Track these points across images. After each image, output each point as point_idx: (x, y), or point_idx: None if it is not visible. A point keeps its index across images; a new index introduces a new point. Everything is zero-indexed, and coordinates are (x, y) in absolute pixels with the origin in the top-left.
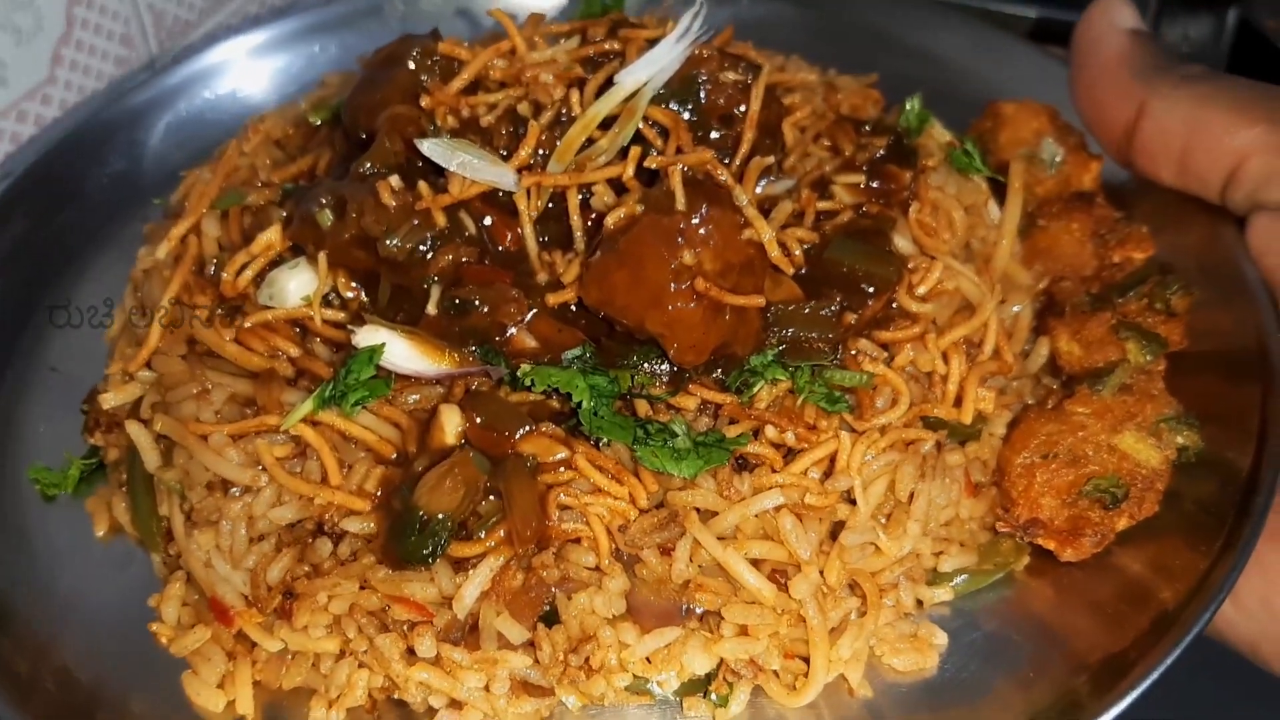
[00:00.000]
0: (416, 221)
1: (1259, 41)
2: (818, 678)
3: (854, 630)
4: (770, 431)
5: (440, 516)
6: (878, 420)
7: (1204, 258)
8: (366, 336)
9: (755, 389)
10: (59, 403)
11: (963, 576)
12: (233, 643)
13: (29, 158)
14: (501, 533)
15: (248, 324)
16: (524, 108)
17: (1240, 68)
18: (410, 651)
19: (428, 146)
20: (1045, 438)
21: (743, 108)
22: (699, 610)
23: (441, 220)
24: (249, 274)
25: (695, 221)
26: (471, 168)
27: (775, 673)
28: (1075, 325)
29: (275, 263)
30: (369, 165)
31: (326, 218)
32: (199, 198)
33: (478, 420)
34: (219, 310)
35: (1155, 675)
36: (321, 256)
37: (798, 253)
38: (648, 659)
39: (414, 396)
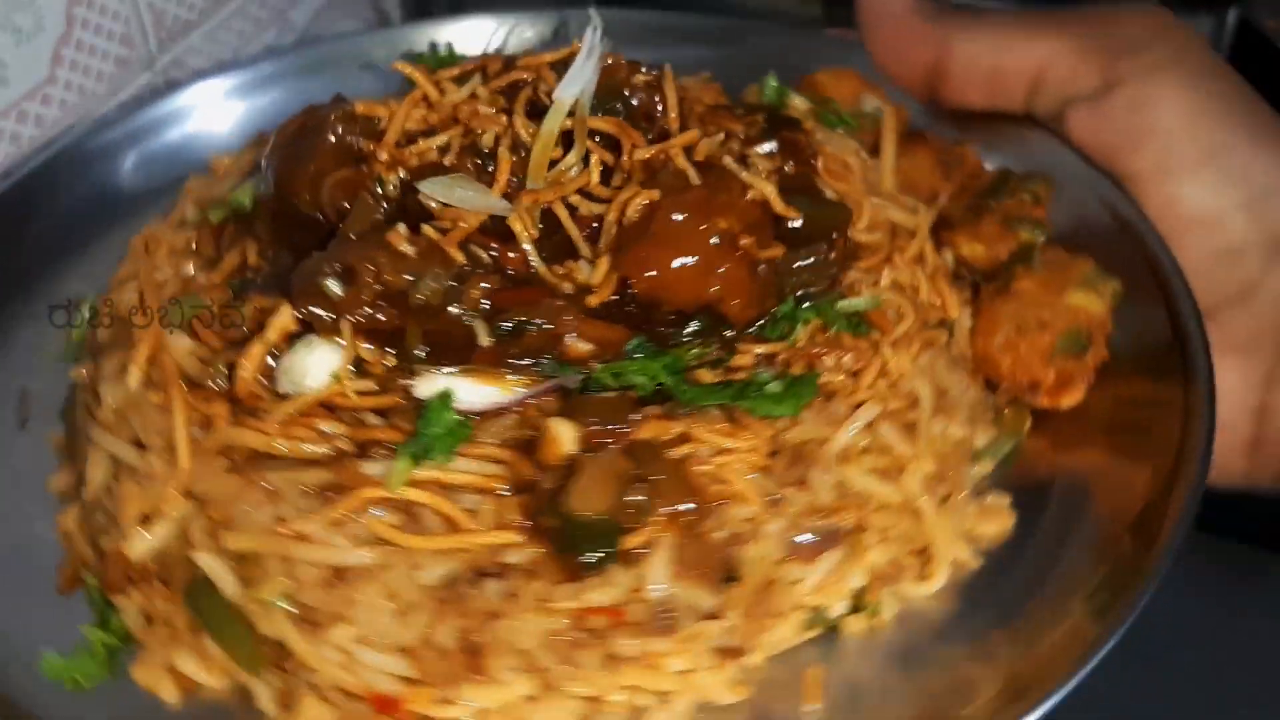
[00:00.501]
0: (437, 265)
1: (1259, 42)
2: (943, 559)
3: (950, 511)
4: (829, 361)
5: (602, 515)
6: (899, 331)
7: (1030, 158)
8: (428, 385)
9: (796, 333)
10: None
11: (991, 450)
12: None
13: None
14: (662, 513)
15: (282, 416)
16: (486, 139)
17: (1240, 68)
18: (610, 660)
19: (428, 185)
20: (1011, 316)
21: (660, 105)
22: (844, 531)
23: (460, 257)
24: (251, 368)
25: (712, 190)
26: (469, 200)
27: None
28: (969, 231)
29: (273, 354)
30: (359, 226)
31: (336, 286)
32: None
33: (591, 424)
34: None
35: (1189, 508)
36: (345, 325)
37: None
38: (818, 589)
39: (493, 429)
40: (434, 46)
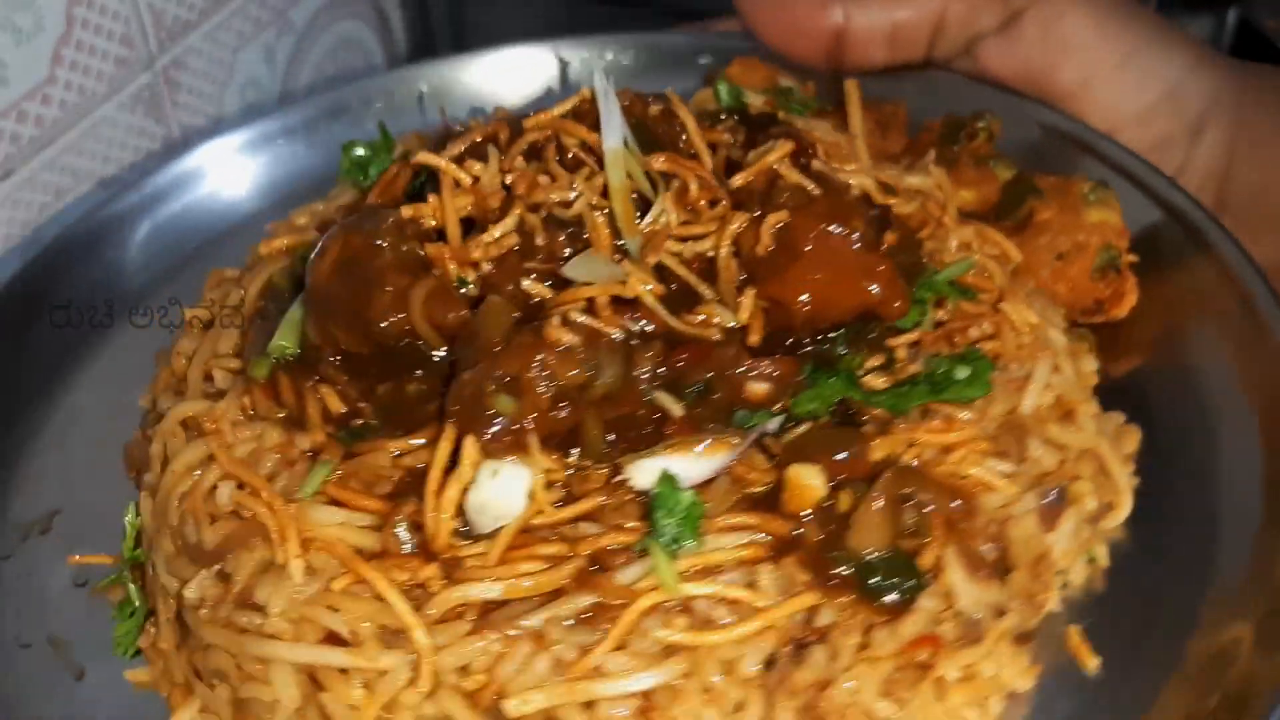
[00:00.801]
0: (600, 350)
1: (1259, 41)
2: (1125, 490)
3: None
4: (973, 331)
5: (892, 547)
6: (1000, 284)
7: (944, 100)
8: (642, 474)
9: (925, 315)
10: None
11: None
12: None
13: (8, 267)
14: (938, 525)
15: (496, 555)
16: (580, 203)
17: None
18: (938, 685)
19: (572, 268)
20: (1048, 246)
21: (683, 133)
22: (1065, 489)
23: (618, 334)
24: (450, 514)
25: (832, 196)
26: (604, 273)
27: None
28: (952, 179)
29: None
30: (497, 332)
31: (509, 402)
32: (269, 511)
33: (833, 457)
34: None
35: None
36: (533, 440)
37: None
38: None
39: (716, 499)
40: (420, 98)
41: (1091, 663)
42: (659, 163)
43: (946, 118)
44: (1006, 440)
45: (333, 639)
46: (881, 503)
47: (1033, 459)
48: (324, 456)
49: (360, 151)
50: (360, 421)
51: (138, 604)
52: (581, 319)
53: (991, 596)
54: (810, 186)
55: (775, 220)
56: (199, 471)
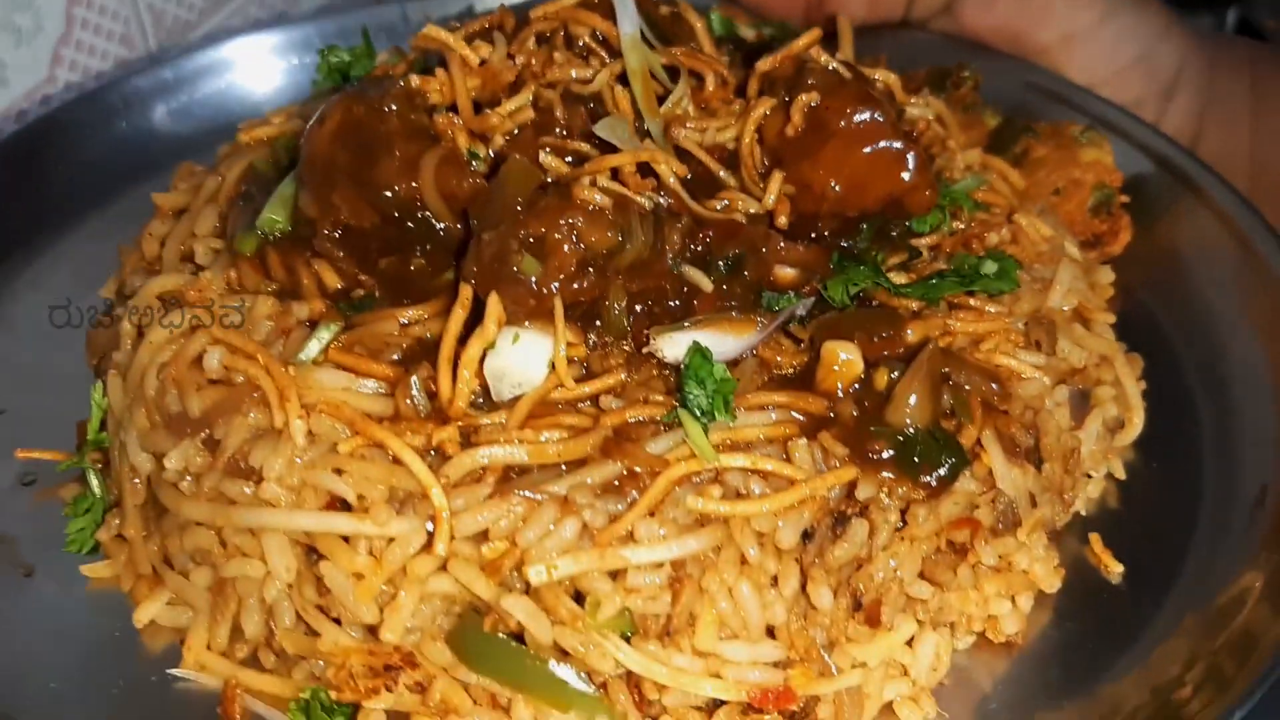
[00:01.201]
0: (630, 217)
1: (1260, 40)
2: (1138, 405)
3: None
4: (992, 237)
5: (934, 423)
6: (1007, 202)
7: (928, 57)
8: (672, 346)
9: (945, 220)
10: None
11: None
12: None
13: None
14: (977, 406)
15: (518, 420)
16: (602, 78)
17: None
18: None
19: (602, 127)
20: (1045, 181)
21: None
22: (1090, 390)
23: (649, 202)
24: (471, 376)
25: (861, 83)
26: (628, 142)
27: None
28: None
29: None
30: (522, 191)
31: (534, 265)
32: (274, 387)
33: (868, 338)
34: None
35: None
36: (557, 304)
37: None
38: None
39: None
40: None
41: (1116, 568)
42: (678, 55)
43: (931, 69)
44: (1038, 332)
45: (334, 506)
46: (922, 377)
47: (1063, 354)
48: (325, 322)
49: (343, 57)
50: (361, 293)
51: (98, 495)
52: (612, 184)
53: (1029, 483)
54: (842, 70)
55: (807, 100)
56: (181, 341)
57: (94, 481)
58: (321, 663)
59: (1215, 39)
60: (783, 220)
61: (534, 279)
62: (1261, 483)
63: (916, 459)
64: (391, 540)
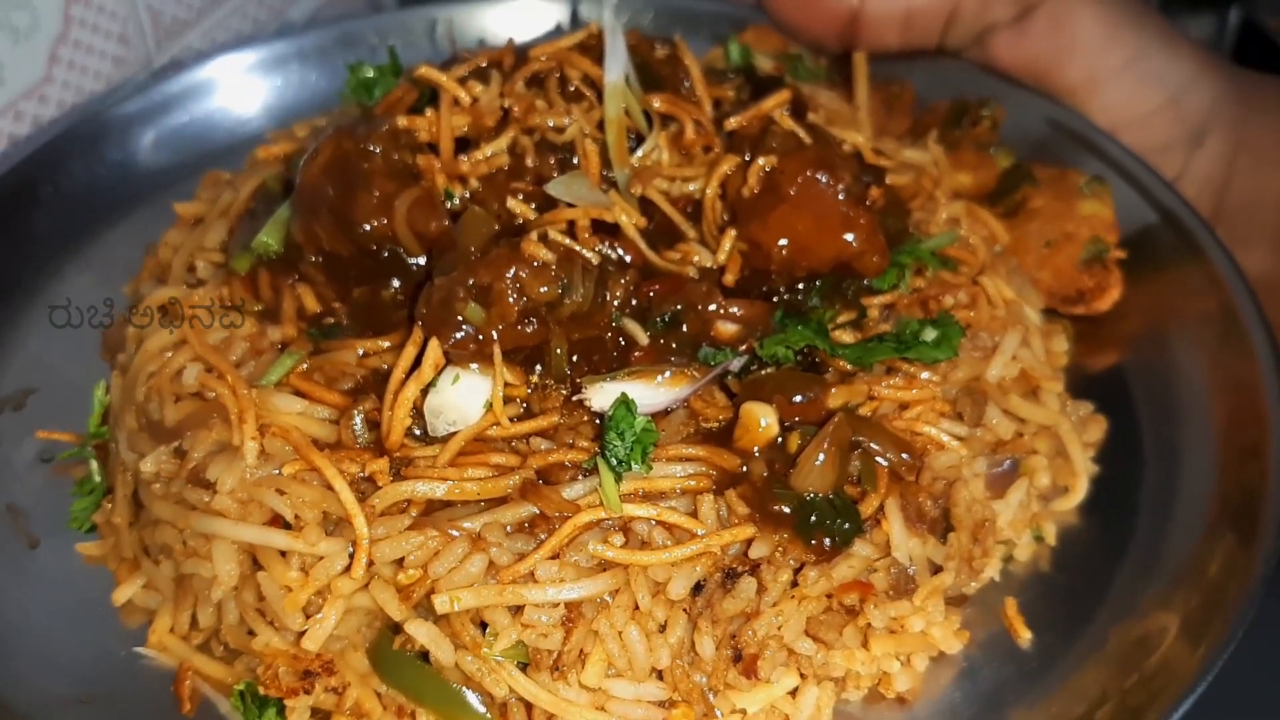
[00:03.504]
0: (575, 270)
1: (1261, 41)
2: (1082, 475)
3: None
4: (948, 300)
5: (834, 491)
6: (982, 259)
7: (950, 86)
8: (601, 396)
9: (905, 278)
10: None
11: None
12: None
13: (16, 157)
14: (884, 476)
15: (448, 457)
16: (573, 130)
17: (1243, 66)
18: (863, 633)
19: (554, 187)
20: (1037, 233)
21: (686, 79)
22: (1019, 460)
23: (596, 257)
24: (405, 414)
25: (823, 148)
26: (587, 197)
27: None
28: (952, 162)
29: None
30: (478, 241)
31: (477, 311)
32: (234, 395)
33: (786, 400)
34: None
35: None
36: (496, 351)
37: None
38: (1012, 524)
39: (672, 429)
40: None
41: (1024, 635)
42: (658, 102)
43: (953, 102)
44: (965, 403)
45: (277, 522)
46: (828, 445)
47: (989, 426)
48: (292, 349)
49: (368, 74)
50: (332, 321)
51: (98, 480)
52: (560, 238)
53: (928, 552)
54: (802, 134)
55: (764, 163)
56: (170, 353)
57: (94, 467)
58: None
59: (1252, 79)
60: (729, 277)
61: (476, 326)
62: (1188, 547)
63: (813, 522)
64: (320, 559)
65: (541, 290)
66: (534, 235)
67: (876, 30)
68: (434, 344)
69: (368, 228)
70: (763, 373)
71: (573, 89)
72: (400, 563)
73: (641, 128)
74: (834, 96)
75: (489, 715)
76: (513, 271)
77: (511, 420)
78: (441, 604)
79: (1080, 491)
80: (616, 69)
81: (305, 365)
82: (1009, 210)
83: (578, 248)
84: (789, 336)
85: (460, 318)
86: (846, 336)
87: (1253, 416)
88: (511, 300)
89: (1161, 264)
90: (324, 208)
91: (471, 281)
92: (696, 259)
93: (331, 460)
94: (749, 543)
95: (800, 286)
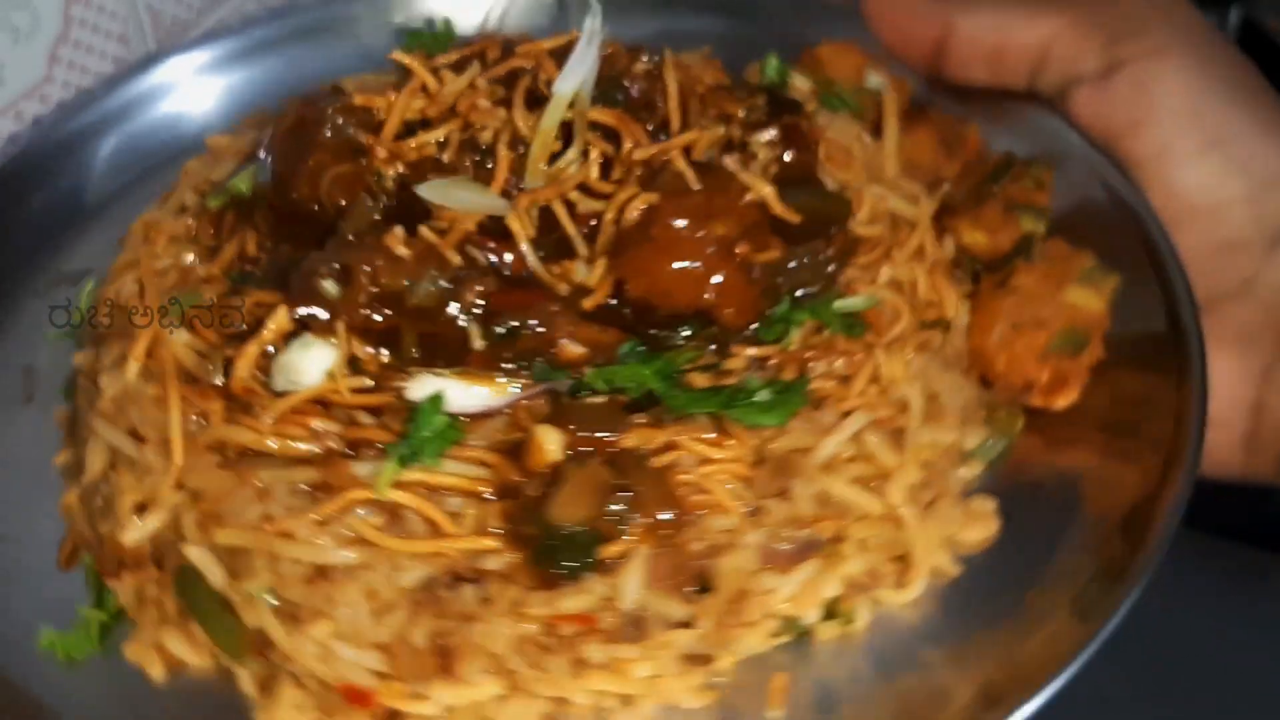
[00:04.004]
0: (434, 267)
1: (1262, 41)
2: (921, 569)
3: (934, 518)
4: (820, 366)
5: (581, 526)
6: (894, 332)
7: (1033, 138)
8: (421, 388)
9: (790, 335)
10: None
11: (981, 450)
12: None
13: None
14: (641, 524)
15: (275, 414)
16: (486, 135)
17: None
18: (578, 663)
19: (426, 190)
20: (1008, 312)
21: (660, 94)
22: (821, 541)
23: (456, 259)
24: (246, 366)
25: (709, 194)
26: (468, 202)
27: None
28: (971, 217)
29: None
30: (357, 226)
31: (333, 287)
32: (143, 309)
33: (576, 430)
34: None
35: (1179, 507)
36: (340, 326)
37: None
38: (791, 600)
39: (483, 432)
40: (430, 23)
41: (773, 715)
42: (602, 115)
43: (1004, 154)
44: (773, 474)
45: (134, 434)
46: (581, 482)
47: (793, 500)
48: (205, 288)
49: (422, 40)
50: (251, 270)
51: None
52: (432, 236)
53: (665, 608)
54: (690, 178)
55: (644, 200)
56: (131, 272)
57: None
58: None
59: None
60: (588, 303)
61: (329, 302)
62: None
63: (549, 552)
64: (150, 471)
65: (393, 281)
66: (398, 231)
67: (962, 61)
68: (282, 309)
69: (295, 194)
70: (580, 399)
71: (540, 95)
72: (200, 494)
73: (583, 142)
74: (856, 131)
75: (240, 640)
76: (371, 261)
77: (354, 393)
78: (219, 535)
79: (914, 588)
80: (571, 80)
81: (211, 303)
82: (1000, 281)
83: (441, 247)
84: (616, 371)
85: (317, 293)
86: (702, 380)
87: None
88: (363, 285)
89: (1151, 379)
90: (276, 166)
91: (335, 263)
92: (578, 277)
93: (179, 390)
94: (486, 555)
95: (668, 323)
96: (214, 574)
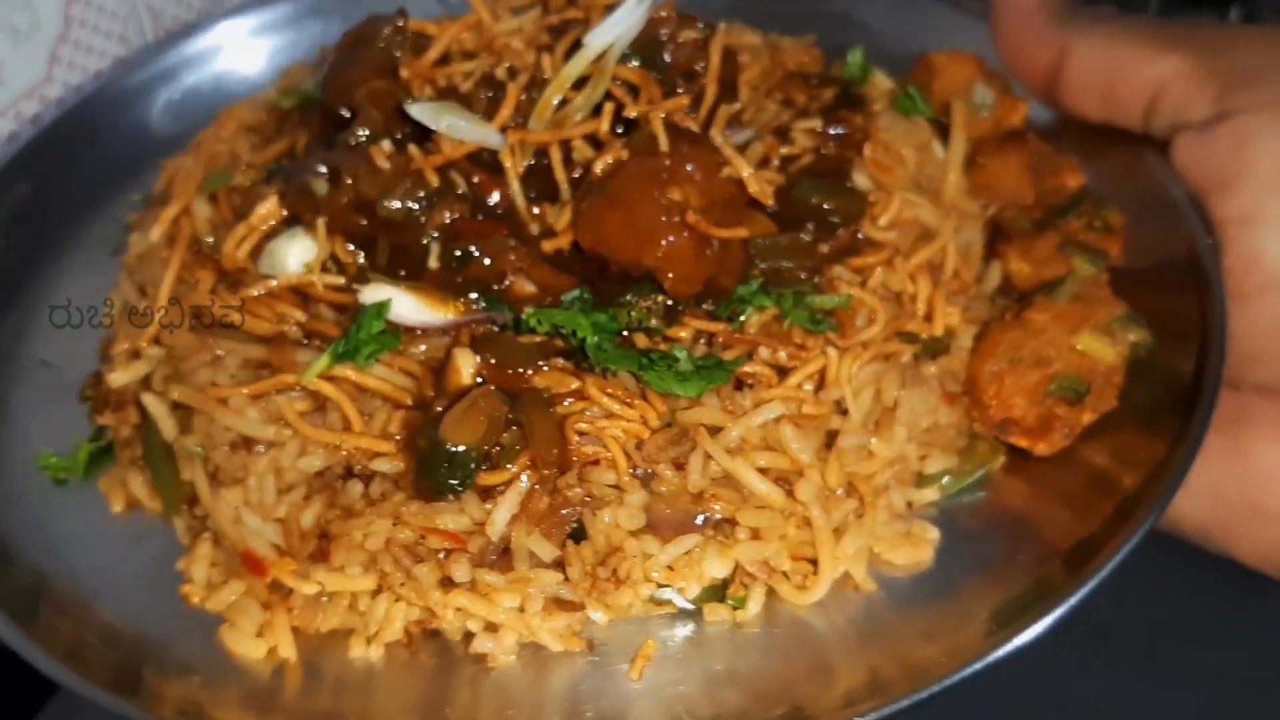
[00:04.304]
0: (410, 183)
1: None
2: (825, 575)
3: (855, 529)
4: (763, 352)
5: (467, 448)
6: (859, 337)
7: (1130, 180)
8: (372, 294)
9: (745, 316)
10: (53, 394)
11: (946, 478)
12: (267, 593)
13: (28, 135)
14: (526, 459)
15: (252, 293)
16: (501, 72)
17: None
18: (446, 580)
19: (416, 109)
20: (1010, 345)
21: (702, 64)
22: (714, 519)
23: (434, 180)
24: (247, 246)
25: (679, 160)
26: (458, 129)
27: (785, 574)
28: (1023, 246)
29: (269, 236)
30: (358, 135)
31: (322, 186)
32: (184, 182)
33: (491, 360)
34: (220, 284)
35: (1121, 556)
36: (320, 223)
37: (768, 191)
38: (670, 567)
39: (423, 346)
40: None
41: (635, 672)
42: (626, 72)
43: (1080, 190)
44: (673, 442)
45: (142, 289)
46: (472, 405)
47: (687, 472)
48: (239, 174)
49: None
50: (285, 164)
51: None
52: (419, 156)
53: (533, 545)
54: (661, 141)
55: (613, 155)
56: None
57: None
58: None
59: None
60: (548, 246)
61: (315, 199)
62: None
63: (430, 466)
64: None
65: (368, 188)
66: (386, 144)
67: (1074, 95)
68: (272, 199)
69: (335, 101)
70: (508, 335)
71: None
72: (172, 351)
73: (598, 93)
74: (927, 139)
75: (177, 492)
76: (355, 167)
77: (327, 289)
78: (170, 391)
79: (816, 592)
80: (604, 35)
81: (241, 184)
82: (1015, 312)
83: (422, 164)
84: (552, 314)
85: (309, 190)
86: (644, 340)
87: None
88: (346, 188)
89: (1150, 445)
90: (331, 71)
91: (328, 164)
92: (551, 221)
93: (184, 257)
94: (376, 455)
95: (623, 279)
96: (165, 425)
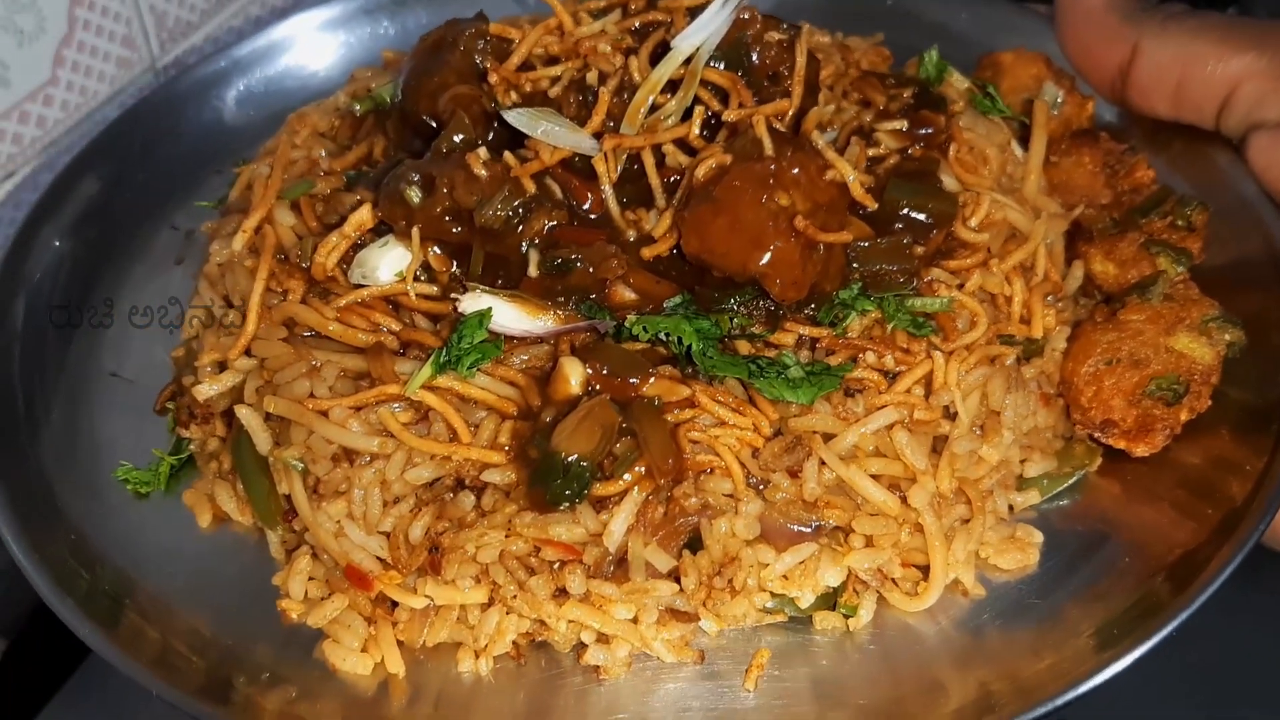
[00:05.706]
0: (507, 191)
1: None
2: (937, 581)
3: (964, 534)
4: (870, 357)
5: (580, 459)
6: (962, 340)
7: (1203, 179)
8: (472, 303)
9: (847, 320)
10: (127, 407)
11: (1045, 480)
12: (370, 607)
13: (97, 127)
14: (640, 469)
15: (343, 302)
16: (591, 77)
17: None
18: (560, 592)
19: (513, 116)
20: (1107, 346)
21: (787, 66)
22: (827, 527)
23: (531, 187)
24: (336, 255)
25: (785, 165)
26: (553, 135)
27: (895, 581)
28: (1106, 247)
29: (357, 245)
30: (452, 141)
31: (415, 194)
32: (264, 190)
33: (602, 369)
34: (310, 293)
35: (1228, 572)
36: (415, 231)
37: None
38: (785, 576)
39: (524, 355)
40: None
41: (750, 682)
42: (716, 75)
43: (1161, 188)
44: (786, 450)
45: (227, 299)
46: (586, 416)
47: (802, 480)
48: (320, 180)
49: None
50: (367, 171)
51: None
52: (514, 163)
53: (650, 556)
54: (766, 145)
55: (716, 160)
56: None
57: None
58: None
59: None
60: (648, 252)
61: (409, 208)
62: None
63: (546, 476)
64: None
65: (465, 197)
66: (483, 151)
67: (1144, 93)
68: (365, 208)
69: (414, 105)
70: (616, 344)
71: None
72: (266, 361)
73: (707, 101)
74: (1006, 139)
75: (272, 505)
76: (450, 174)
77: (420, 298)
78: (266, 403)
79: (928, 598)
80: (692, 38)
81: (323, 192)
82: (1109, 313)
83: (519, 172)
84: (656, 321)
85: (402, 198)
86: (746, 347)
87: None
88: (441, 197)
89: (1246, 446)
90: (410, 77)
91: (422, 173)
92: (648, 227)
93: (272, 267)
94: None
95: (725, 285)
96: (260, 438)
